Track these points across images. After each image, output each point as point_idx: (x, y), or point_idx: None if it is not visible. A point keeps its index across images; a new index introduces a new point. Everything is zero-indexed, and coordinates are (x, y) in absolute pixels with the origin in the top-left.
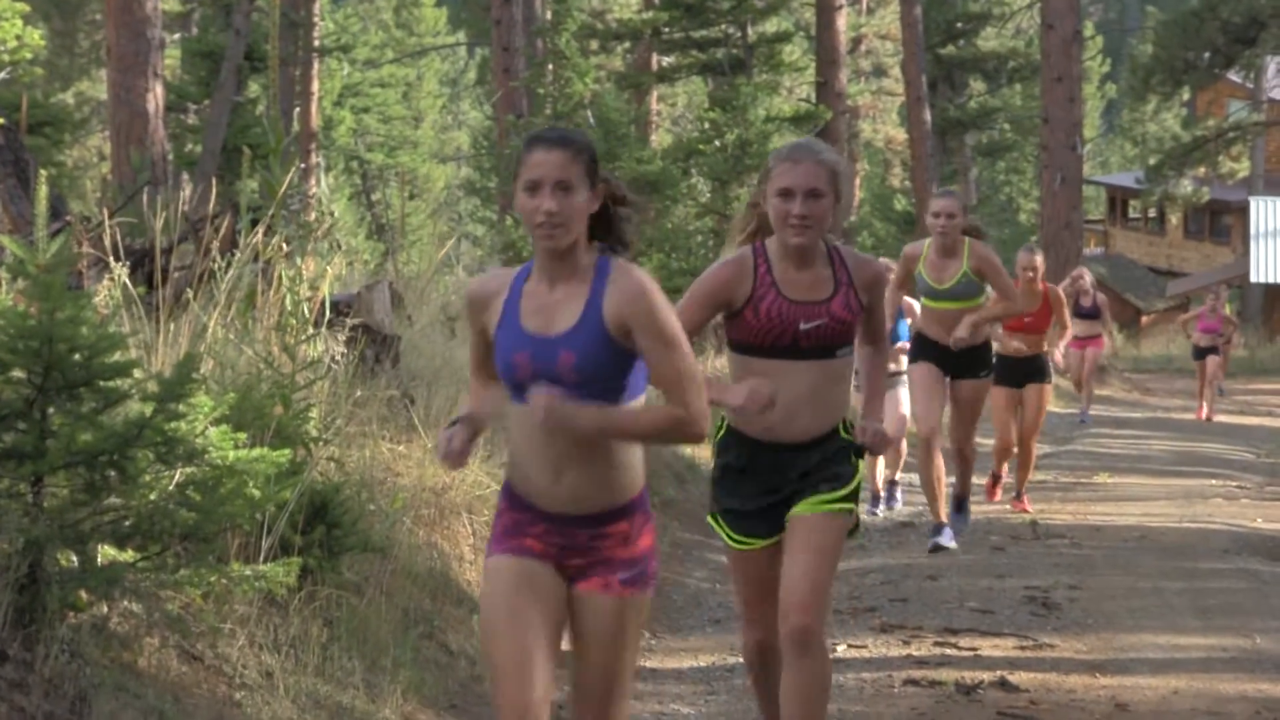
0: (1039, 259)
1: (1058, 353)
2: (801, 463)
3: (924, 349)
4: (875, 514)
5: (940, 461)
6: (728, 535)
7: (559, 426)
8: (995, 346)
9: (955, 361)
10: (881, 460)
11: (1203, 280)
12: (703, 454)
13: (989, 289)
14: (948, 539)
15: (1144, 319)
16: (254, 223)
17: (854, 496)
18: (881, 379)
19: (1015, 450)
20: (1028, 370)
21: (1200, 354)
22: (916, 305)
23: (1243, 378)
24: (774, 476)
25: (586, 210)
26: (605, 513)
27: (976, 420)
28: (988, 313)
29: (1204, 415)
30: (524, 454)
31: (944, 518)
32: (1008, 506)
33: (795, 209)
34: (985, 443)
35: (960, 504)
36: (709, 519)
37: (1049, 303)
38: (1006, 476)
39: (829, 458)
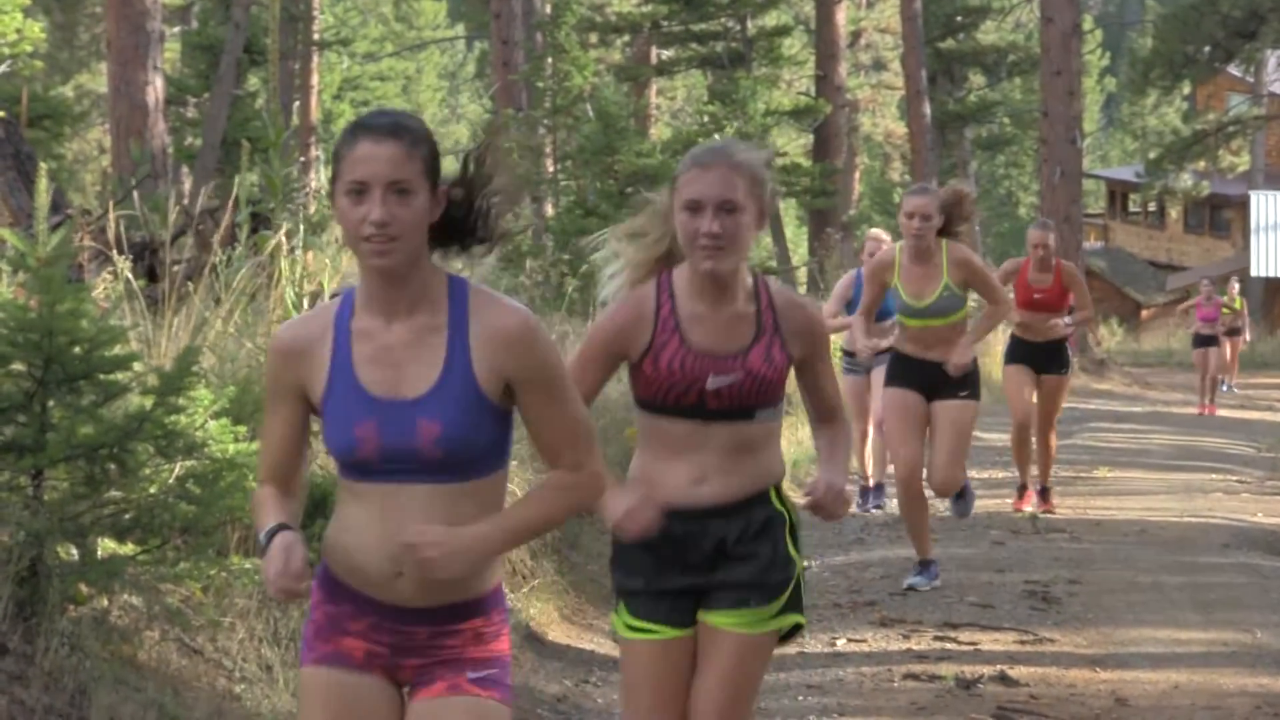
0: (1051, 236)
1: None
2: (718, 532)
3: (901, 369)
4: (866, 509)
5: (924, 500)
6: (623, 622)
7: (453, 571)
8: (1012, 329)
9: (937, 380)
10: (870, 454)
11: (1203, 274)
12: None
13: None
14: (925, 579)
15: (1144, 313)
16: (254, 216)
17: (794, 603)
18: (844, 456)
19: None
20: (1047, 355)
21: (1200, 343)
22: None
23: (1243, 372)
24: (686, 550)
25: (426, 219)
26: (456, 606)
27: (963, 450)
28: (981, 328)
29: (1206, 410)
30: (356, 538)
31: (929, 552)
32: (1011, 501)
33: (705, 226)
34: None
35: (926, 564)
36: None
37: (1062, 279)
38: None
39: (760, 546)
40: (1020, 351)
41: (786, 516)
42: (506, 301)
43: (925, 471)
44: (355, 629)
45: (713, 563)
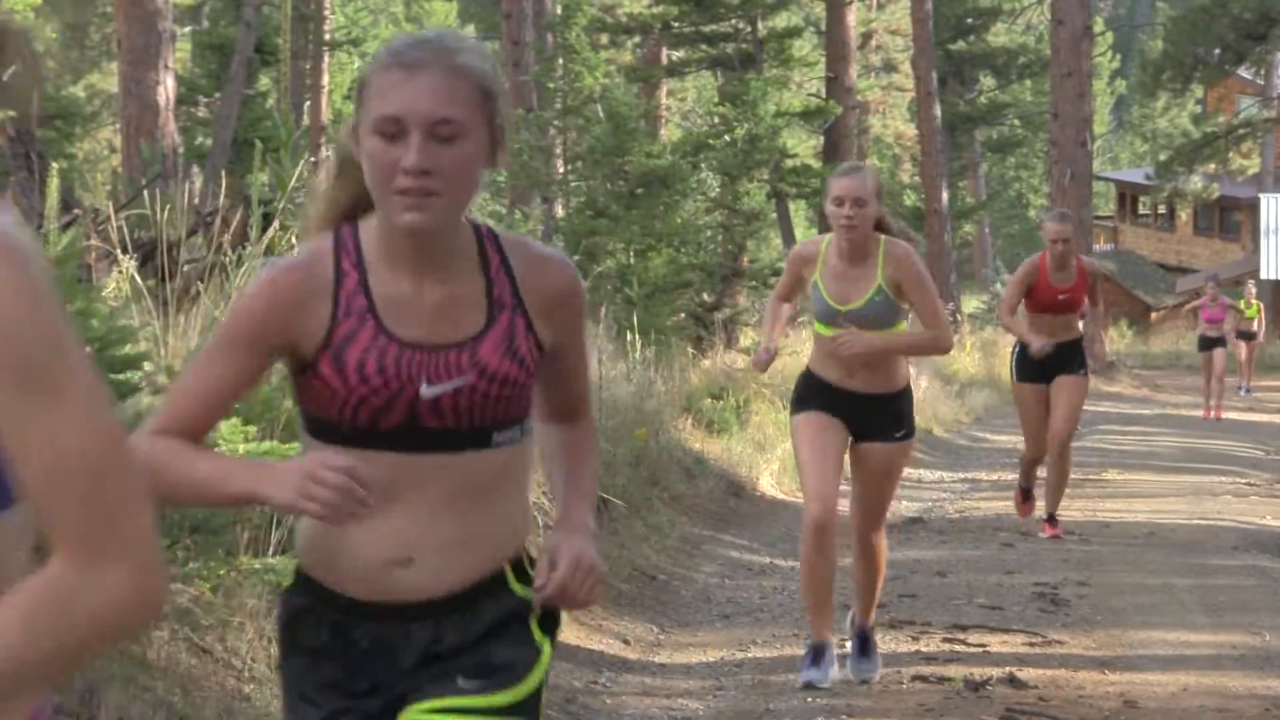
0: (1071, 228)
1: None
2: (425, 636)
3: (814, 393)
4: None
5: (833, 556)
6: None
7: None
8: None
9: (861, 414)
10: None
11: (1209, 276)
12: (712, 448)
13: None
14: (821, 673)
15: (1153, 315)
16: (265, 216)
17: (529, 708)
18: (592, 483)
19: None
20: (1061, 357)
21: (1207, 344)
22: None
23: (1254, 374)
24: (376, 664)
25: None
26: None
27: (888, 500)
28: (908, 343)
29: (1212, 414)
30: None
31: (826, 635)
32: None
33: (410, 160)
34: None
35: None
36: None
37: (1084, 277)
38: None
39: (487, 630)
40: (1032, 361)
41: (525, 601)
42: None
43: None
44: None
45: (414, 673)
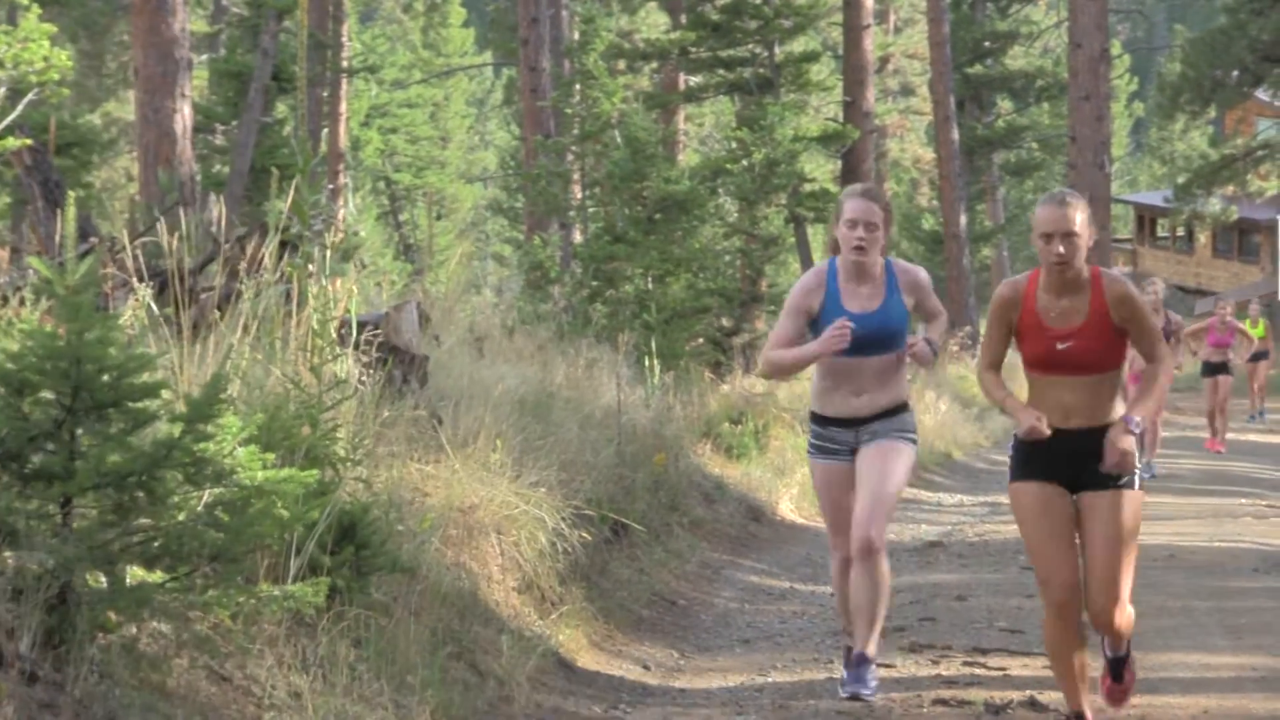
0: (1078, 216)
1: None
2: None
3: None
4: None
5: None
6: None
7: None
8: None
9: None
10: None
11: (1222, 299)
12: (731, 473)
13: None
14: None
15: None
16: (283, 244)
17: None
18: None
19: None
20: (1088, 458)
21: (1211, 371)
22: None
23: (1271, 396)
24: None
25: None
26: None
27: None
28: None
29: (1214, 445)
30: None
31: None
32: None
33: None
34: None
35: None
36: None
37: (1103, 307)
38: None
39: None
40: (1037, 452)
41: None
42: None
43: None
44: None
45: None
